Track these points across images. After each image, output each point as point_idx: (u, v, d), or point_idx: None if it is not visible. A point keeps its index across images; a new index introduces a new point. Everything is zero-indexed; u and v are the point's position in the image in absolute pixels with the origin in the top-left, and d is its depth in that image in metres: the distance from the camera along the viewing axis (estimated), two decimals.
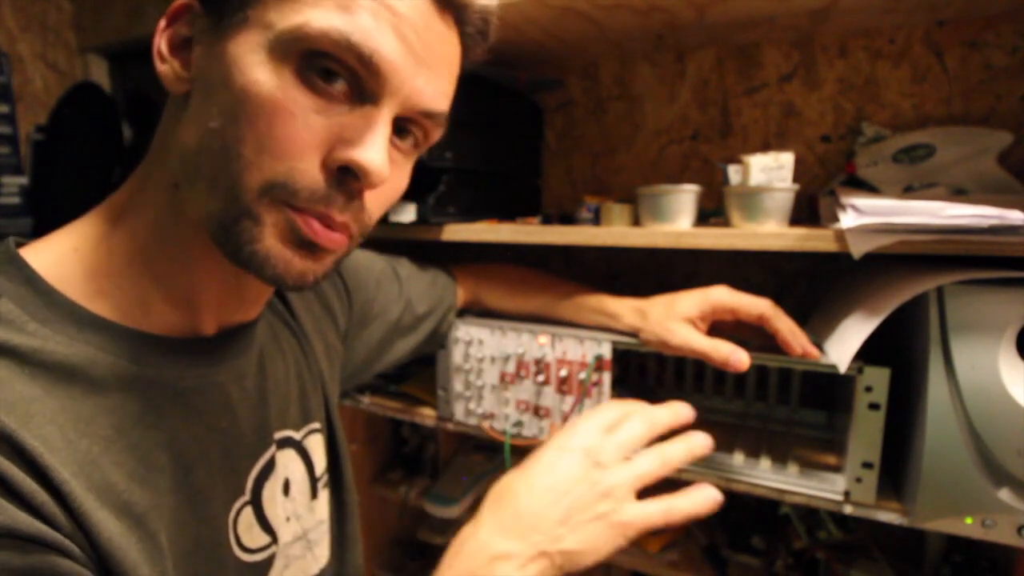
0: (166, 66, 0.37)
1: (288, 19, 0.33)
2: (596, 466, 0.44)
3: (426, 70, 0.37)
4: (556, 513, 0.41)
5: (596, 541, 0.42)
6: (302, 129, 0.34)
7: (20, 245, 0.37)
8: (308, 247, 0.36)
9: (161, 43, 0.37)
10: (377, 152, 0.35)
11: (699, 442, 0.47)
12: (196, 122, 0.36)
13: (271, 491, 0.47)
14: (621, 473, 0.44)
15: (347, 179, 0.36)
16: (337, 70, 0.34)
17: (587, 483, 0.43)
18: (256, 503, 0.45)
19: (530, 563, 0.40)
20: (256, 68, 0.33)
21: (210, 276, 0.40)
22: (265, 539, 0.46)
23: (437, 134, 0.41)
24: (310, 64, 0.34)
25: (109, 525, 0.32)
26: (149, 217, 0.38)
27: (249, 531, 0.45)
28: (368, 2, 0.34)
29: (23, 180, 1.25)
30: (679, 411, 0.49)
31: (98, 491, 0.33)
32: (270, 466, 0.47)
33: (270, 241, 0.35)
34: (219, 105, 0.34)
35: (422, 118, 0.39)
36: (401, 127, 0.39)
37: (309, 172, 0.35)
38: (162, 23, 0.37)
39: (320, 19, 0.33)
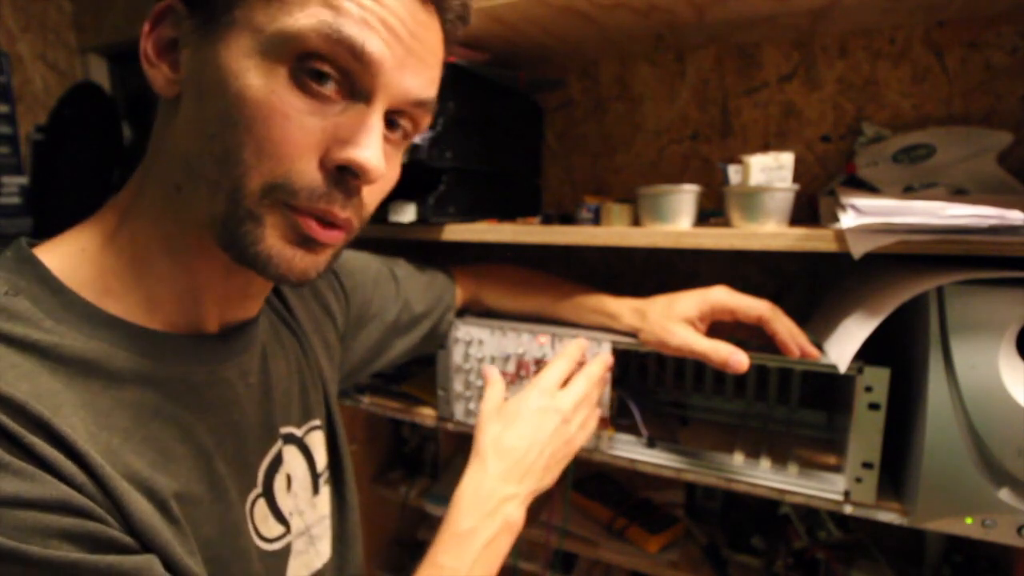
0: (155, 70, 0.38)
1: (277, 21, 0.34)
2: (565, 423, 0.60)
3: (414, 60, 0.38)
4: (542, 462, 0.57)
5: (559, 470, 0.60)
6: (298, 131, 0.35)
7: (32, 246, 0.38)
8: (309, 244, 0.38)
9: (148, 47, 0.37)
10: (374, 150, 0.36)
11: (604, 355, 0.67)
12: (193, 126, 0.36)
13: (280, 484, 0.48)
14: (576, 419, 0.61)
15: (346, 177, 0.37)
16: (328, 71, 0.35)
17: (561, 438, 0.59)
18: (268, 495, 0.46)
19: (525, 500, 0.56)
20: (249, 73, 0.34)
21: (213, 275, 0.41)
22: (280, 529, 0.47)
23: (427, 121, 0.42)
24: (301, 67, 0.35)
25: (141, 506, 0.33)
26: (150, 218, 0.39)
27: (265, 522, 0.45)
28: None
29: (23, 180, 1.25)
30: (606, 360, 0.67)
31: (123, 477, 0.33)
32: (278, 460, 0.48)
33: (272, 240, 0.37)
34: (215, 111, 0.35)
35: (412, 107, 0.40)
36: (391, 120, 0.40)
37: (308, 172, 0.36)
38: (146, 26, 0.37)
39: (309, 17, 0.34)
